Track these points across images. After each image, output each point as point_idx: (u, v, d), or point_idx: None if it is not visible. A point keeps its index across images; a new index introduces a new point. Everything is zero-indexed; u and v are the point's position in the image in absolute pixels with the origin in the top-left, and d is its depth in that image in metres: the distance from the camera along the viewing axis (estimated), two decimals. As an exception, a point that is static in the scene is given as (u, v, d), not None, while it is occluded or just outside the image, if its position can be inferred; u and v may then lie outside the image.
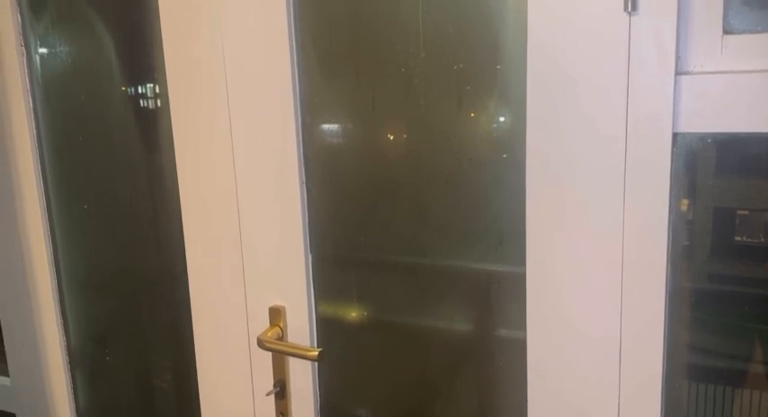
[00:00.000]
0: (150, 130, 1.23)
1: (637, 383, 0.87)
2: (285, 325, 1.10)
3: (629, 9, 0.78)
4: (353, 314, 1.10)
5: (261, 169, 1.07)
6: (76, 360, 1.42)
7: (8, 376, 1.50)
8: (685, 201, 0.85)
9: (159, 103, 1.20)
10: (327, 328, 1.11)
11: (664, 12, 0.77)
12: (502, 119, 0.93)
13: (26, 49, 1.29)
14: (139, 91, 1.23)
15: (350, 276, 1.09)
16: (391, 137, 1.01)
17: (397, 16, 0.96)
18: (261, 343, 1.08)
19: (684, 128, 0.80)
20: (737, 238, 0.87)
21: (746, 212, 0.86)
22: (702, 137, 0.82)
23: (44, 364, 1.42)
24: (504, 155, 0.93)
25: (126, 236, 1.31)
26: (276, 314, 1.10)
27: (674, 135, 0.80)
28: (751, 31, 0.77)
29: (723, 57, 0.79)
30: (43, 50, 1.30)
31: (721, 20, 0.78)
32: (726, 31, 0.78)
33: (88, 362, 1.42)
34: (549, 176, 0.87)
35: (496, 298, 0.98)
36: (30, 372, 1.45)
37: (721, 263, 0.87)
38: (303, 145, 1.05)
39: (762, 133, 0.78)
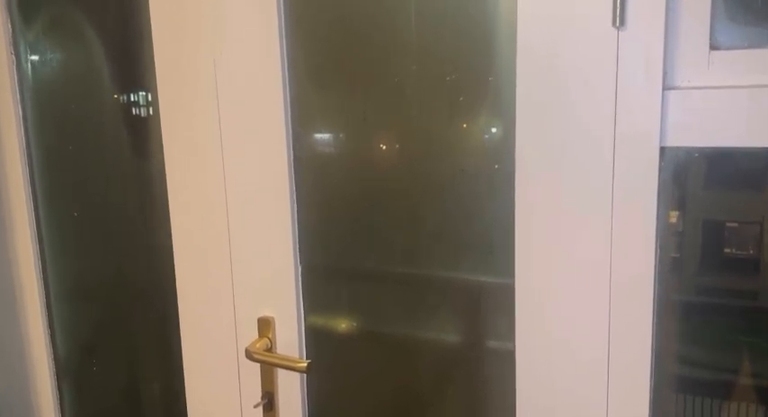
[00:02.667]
0: (140, 139, 1.23)
1: (625, 396, 0.87)
2: (274, 336, 1.10)
3: (618, 24, 0.79)
4: (343, 325, 1.09)
5: (251, 178, 1.07)
6: (63, 371, 1.41)
7: (-7, 386, 1.49)
8: (673, 214, 0.85)
9: (149, 112, 1.20)
10: (317, 339, 1.11)
11: (651, 27, 0.78)
12: (493, 130, 0.93)
13: (16, 57, 1.29)
14: (130, 99, 1.22)
15: (340, 287, 1.09)
16: (382, 147, 1.01)
17: (389, 27, 0.96)
18: (249, 355, 1.07)
19: (672, 142, 0.81)
20: (727, 250, 0.88)
21: (735, 224, 0.86)
22: (689, 151, 0.83)
23: (30, 374, 1.41)
24: (496, 166, 0.93)
25: (114, 246, 1.30)
26: (265, 325, 1.10)
27: (662, 149, 0.81)
28: (737, 48, 0.78)
29: (710, 73, 0.79)
30: (33, 57, 1.29)
31: (708, 36, 0.79)
32: (713, 47, 0.79)
33: (75, 373, 1.41)
34: (537, 188, 0.87)
35: (486, 310, 0.98)
36: (15, 382, 1.43)
37: (707, 276, 0.88)
38: (293, 154, 1.05)
39: (747, 148, 0.78)
